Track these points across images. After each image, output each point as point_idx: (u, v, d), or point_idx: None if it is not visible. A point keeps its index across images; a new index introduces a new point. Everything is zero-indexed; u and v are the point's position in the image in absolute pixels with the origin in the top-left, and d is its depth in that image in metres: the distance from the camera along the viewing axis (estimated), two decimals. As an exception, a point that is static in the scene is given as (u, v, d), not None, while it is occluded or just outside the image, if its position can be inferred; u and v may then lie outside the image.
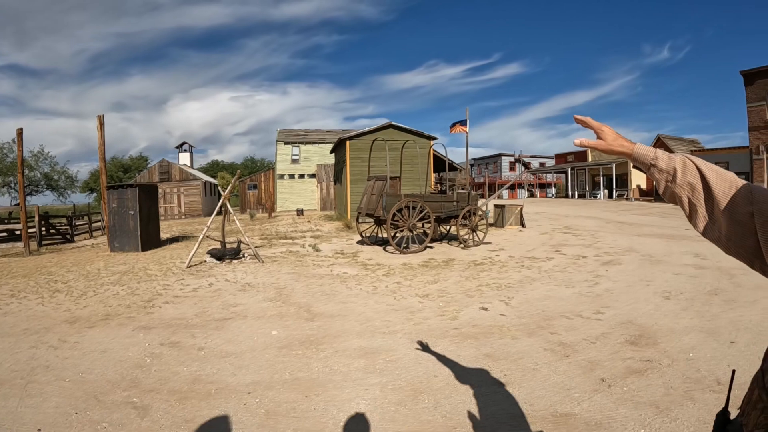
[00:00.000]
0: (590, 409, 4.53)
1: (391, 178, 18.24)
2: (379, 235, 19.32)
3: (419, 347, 6.45)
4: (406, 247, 16.29)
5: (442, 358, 6.02)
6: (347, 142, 29.78)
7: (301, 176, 55.68)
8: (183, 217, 54.17)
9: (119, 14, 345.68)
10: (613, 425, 4.23)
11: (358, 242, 19.21)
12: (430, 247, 17.30)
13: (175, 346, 6.78)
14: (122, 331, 7.50)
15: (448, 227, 20.23)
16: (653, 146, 1.67)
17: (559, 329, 7.12)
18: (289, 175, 55.48)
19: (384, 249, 17.15)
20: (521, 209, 24.11)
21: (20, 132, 19.36)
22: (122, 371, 5.82)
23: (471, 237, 17.60)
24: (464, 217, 17.84)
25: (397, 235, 17.49)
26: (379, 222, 17.89)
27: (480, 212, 18.39)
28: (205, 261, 14.79)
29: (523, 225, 23.63)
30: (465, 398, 4.86)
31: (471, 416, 4.49)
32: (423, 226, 18.11)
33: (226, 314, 8.49)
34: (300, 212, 44.39)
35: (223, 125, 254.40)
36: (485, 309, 8.41)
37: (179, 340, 7.05)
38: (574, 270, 11.96)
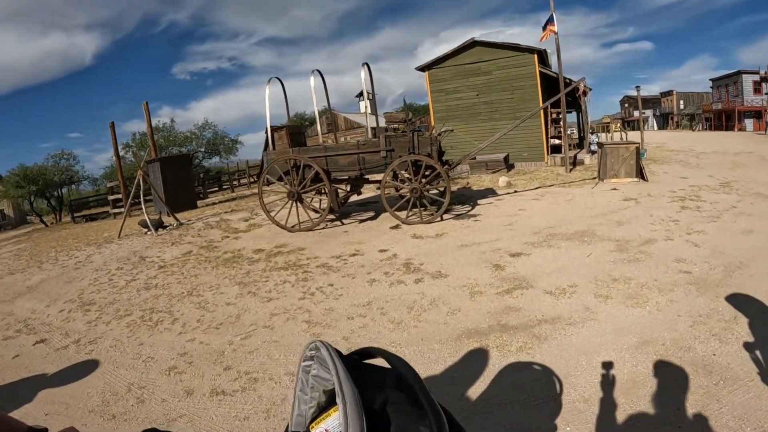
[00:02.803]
0: None
1: (276, 128, 13.38)
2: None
3: None
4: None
5: None
6: (426, 73, 23.79)
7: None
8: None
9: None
10: None
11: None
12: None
13: None
14: None
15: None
16: None
17: None
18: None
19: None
20: (636, 150, 15.50)
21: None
22: None
23: (420, 211, 12.03)
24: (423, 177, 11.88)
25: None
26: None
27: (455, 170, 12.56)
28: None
29: (643, 177, 15.26)
30: None
31: None
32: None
33: None
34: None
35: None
36: None
37: None
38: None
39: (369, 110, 14.64)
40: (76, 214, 32.39)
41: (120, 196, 26.03)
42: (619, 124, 48.88)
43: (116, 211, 25.90)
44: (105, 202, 31.09)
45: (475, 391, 4.26)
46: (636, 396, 3.89)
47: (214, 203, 25.70)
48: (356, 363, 1.19)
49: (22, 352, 7.13)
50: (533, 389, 4.17)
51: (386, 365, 1.17)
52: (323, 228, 12.57)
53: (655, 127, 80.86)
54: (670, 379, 4.08)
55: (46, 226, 35.59)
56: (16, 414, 4.92)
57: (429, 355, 4.99)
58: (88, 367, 6.14)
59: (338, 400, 1.01)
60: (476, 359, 4.77)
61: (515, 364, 4.58)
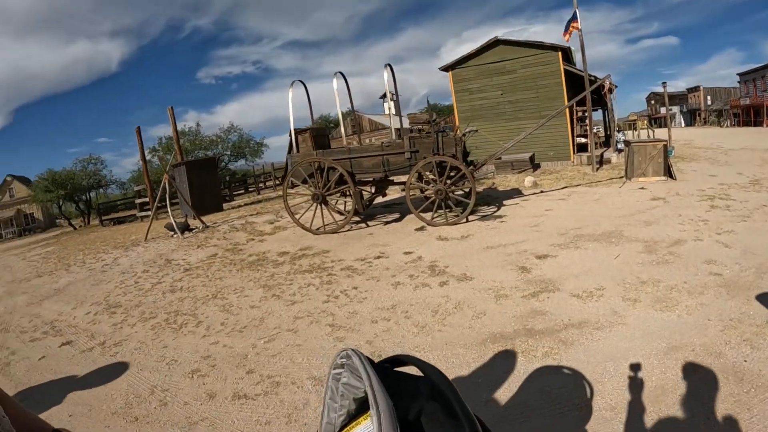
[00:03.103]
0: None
1: (300, 131, 13.45)
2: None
3: None
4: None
5: None
6: (449, 73, 23.54)
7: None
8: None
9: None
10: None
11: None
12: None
13: None
14: None
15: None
16: None
17: None
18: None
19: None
20: (664, 148, 15.16)
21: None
22: None
23: (446, 212, 11.88)
24: (449, 179, 11.70)
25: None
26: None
27: (475, 170, 12.45)
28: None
29: (671, 175, 14.95)
30: None
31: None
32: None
33: None
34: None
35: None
36: None
37: None
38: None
39: (392, 111, 14.59)
40: (104, 217, 32.83)
41: (147, 199, 26.40)
42: (645, 122, 48.44)
43: (143, 214, 26.33)
44: (133, 206, 31.40)
45: (500, 397, 4.19)
46: (664, 404, 3.79)
47: (239, 206, 25.91)
48: (388, 371, 1.14)
49: (48, 353, 7.25)
50: (559, 396, 4.08)
51: (418, 373, 1.10)
52: (348, 230, 12.57)
53: (683, 124, 79.87)
54: (700, 386, 3.97)
55: (75, 229, 36.18)
56: (42, 415, 4.99)
57: (453, 360, 4.93)
58: (114, 369, 6.19)
59: (372, 411, 0.97)
60: (501, 364, 4.70)
61: (541, 370, 4.50)
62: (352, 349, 1.09)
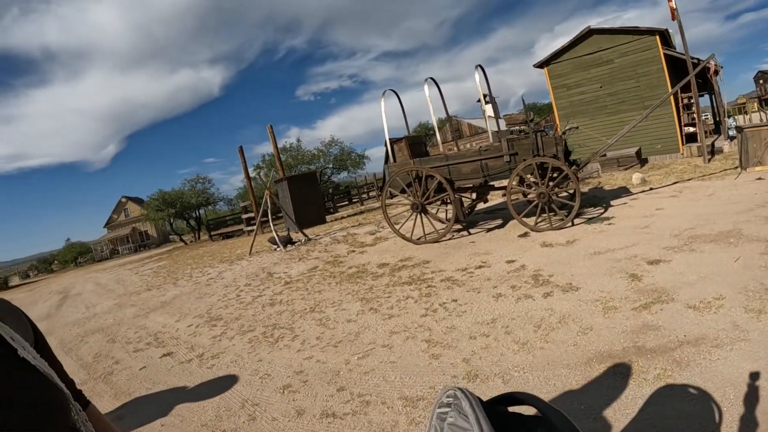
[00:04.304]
0: None
1: (394, 141, 13.28)
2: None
3: None
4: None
5: None
6: (544, 69, 22.76)
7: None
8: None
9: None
10: None
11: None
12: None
13: None
14: None
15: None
16: None
17: None
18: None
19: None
20: None
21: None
22: None
23: (550, 216, 11.55)
24: (551, 181, 11.35)
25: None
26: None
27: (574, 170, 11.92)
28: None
29: None
30: None
31: None
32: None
33: None
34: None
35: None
36: None
37: None
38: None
39: (488, 114, 14.27)
40: (213, 233, 34.29)
41: (252, 214, 27.27)
42: (756, 104, 45.74)
43: (249, 228, 27.45)
44: (240, 221, 32.59)
45: (604, 427, 3.86)
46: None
47: (342, 217, 26.28)
48: (501, 413, 1.09)
49: (149, 363, 7.62)
50: (672, 429, 3.71)
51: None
52: (449, 239, 12.36)
53: (797, 102, 74.86)
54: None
55: (186, 244, 38.15)
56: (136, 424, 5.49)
57: (555, 382, 4.60)
58: (210, 381, 6.37)
59: None
60: (607, 388, 4.32)
61: (653, 396, 4.08)
62: (460, 388, 1.05)
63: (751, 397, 3.77)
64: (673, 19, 17.56)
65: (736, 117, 31.94)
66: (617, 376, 4.48)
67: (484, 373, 5.01)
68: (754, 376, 4.04)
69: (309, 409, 5.01)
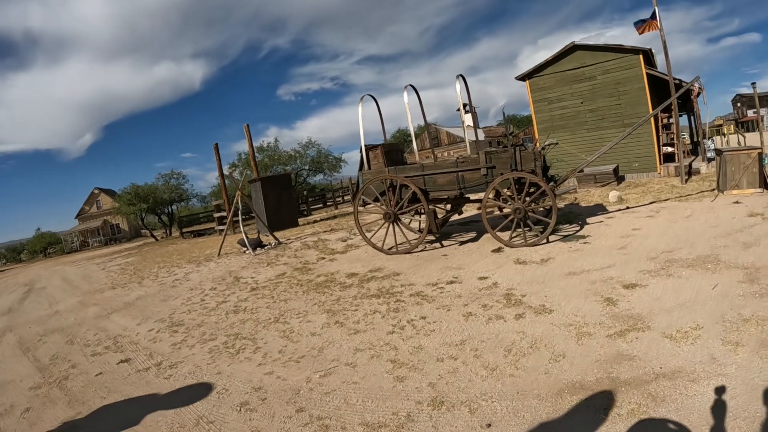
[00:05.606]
0: None
1: (370, 147, 13.09)
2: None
3: None
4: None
5: None
6: (526, 82, 22.67)
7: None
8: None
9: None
10: None
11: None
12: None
13: None
14: None
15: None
16: None
17: None
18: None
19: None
20: (759, 156, 13.69)
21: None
22: None
23: (525, 231, 11.22)
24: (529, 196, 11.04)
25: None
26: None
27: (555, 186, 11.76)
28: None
29: (767, 187, 13.57)
30: None
31: None
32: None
33: None
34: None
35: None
36: None
37: None
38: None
39: (467, 124, 14.09)
40: (184, 230, 34.04)
41: (225, 213, 27.10)
42: (732, 126, 46.22)
43: (221, 227, 27.19)
44: (213, 219, 32.42)
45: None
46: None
47: (315, 221, 26.01)
48: None
49: (105, 370, 7.35)
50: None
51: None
52: (421, 250, 12.14)
53: (772, 127, 75.83)
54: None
55: (157, 240, 37.89)
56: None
57: (524, 414, 4.35)
58: (164, 393, 6.10)
59: None
60: (579, 423, 4.08)
61: (626, 435, 3.88)
62: None
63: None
64: (639, 33, 17.69)
65: (714, 139, 32.16)
66: (590, 409, 4.24)
67: (450, 400, 4.76)
68: (729, 413, 3.84)
69: (265, 430, 4.76)
